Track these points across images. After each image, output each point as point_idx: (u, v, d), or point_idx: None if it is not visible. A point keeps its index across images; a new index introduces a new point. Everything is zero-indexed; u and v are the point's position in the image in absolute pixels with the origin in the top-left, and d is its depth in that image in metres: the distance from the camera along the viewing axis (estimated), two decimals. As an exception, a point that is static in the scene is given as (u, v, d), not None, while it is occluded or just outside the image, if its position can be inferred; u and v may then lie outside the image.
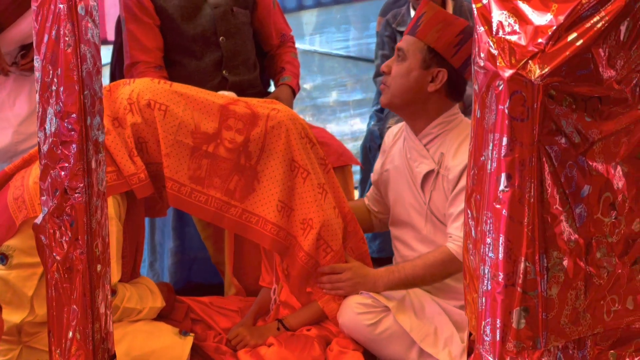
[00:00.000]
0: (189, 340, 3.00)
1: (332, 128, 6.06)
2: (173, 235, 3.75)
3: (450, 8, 4.10)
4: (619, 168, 1.26)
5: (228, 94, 3.21)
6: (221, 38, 3.59)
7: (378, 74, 4.28)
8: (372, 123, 4.34)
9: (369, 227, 3.48)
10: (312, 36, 6.17)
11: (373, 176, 3.36)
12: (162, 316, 3.17)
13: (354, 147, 4.87)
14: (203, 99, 2.96)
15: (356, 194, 4.44)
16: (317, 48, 6.17)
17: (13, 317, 2.81)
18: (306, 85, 6.16)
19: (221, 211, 2.96)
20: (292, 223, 3.00)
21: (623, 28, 1.21)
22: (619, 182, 1.27)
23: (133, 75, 3.55)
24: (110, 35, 3.99)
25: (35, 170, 2.78)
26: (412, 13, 4.14)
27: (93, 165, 1.84)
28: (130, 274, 3.13)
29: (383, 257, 4.04)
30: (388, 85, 3.03)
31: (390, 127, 3.99)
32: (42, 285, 2.60)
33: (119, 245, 2.92)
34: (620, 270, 1.29)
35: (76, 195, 1.82)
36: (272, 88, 3.99)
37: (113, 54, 3.83)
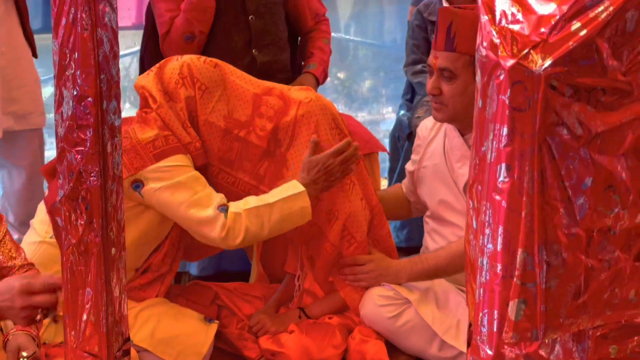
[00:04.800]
0: (213, 327, 3.03)
1: (365, 117, 6.06)
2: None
3: None
4: (623, 160, 1.24)
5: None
6: (251, 17, 3.60)
7: (409, 63, 4.26)
8: (402, 112, 4.33)
9: (407, 213, 3.48)
10: (347, 25, 6.17)
11: (409, 166, 3.34)
12: (190, 300, 3.21)
13: (385, 136, 4.86)
14: (239, 86, 3.00)
15: (385, 183, 4.44)
16: (352, 37, 6.16)
17: None
18: (340, 74, 6.16)
19: (248, 194, 2.98)
20: (318, 213, 3.02)
21: (628, 18, 1.19)
22: (623, 174, 1.25)
23: (164, 45, 3.60)
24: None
25: None
26: (444, 1, 4.11)
27: (109, 149, 1.85)
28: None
29: (411, 246, 4.04)
30: (445, 104, 2.95)
31: (419, 116, 3.97)
32: None
33: None
34: (622, 264, 1.27)
35: (91, 178, 1.84)
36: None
37: (143, 38, 3.86)
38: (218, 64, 3.03)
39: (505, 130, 1.20)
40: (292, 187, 2.94)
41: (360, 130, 3.46)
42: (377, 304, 3.02)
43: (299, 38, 3.92)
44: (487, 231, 1.23)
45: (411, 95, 4.36)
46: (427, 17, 4.18)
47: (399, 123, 4.29)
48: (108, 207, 1.87)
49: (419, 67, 4.19)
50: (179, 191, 2.84)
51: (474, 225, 1.27)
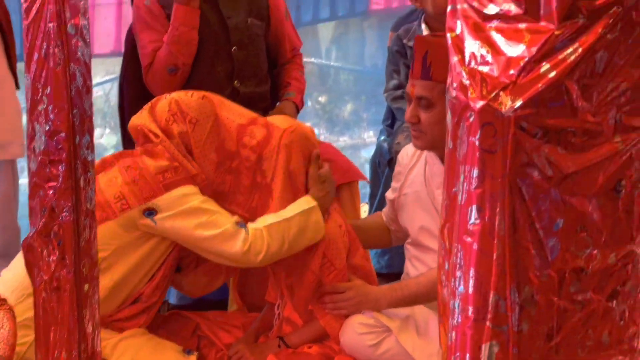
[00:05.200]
0: (192, 359, 3.00)
1: (346, 141, 6.06)
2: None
3: None
4: (594, 201, 1.24)
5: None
6: (234, 48, 3.60)
7: (389, 88, 4.26)
8: (382, 138, 4.32)
9: (388, 242, 3.46)
10: (328, 50, 6.18)
11: (389, 195, 3.33)
12: (171, 332, 3.19)
13: (366, 160, 4.86)
14: (225, 117, 3.02)
15: (366, 208, 4.42)
16: (332, 62, 6.16)
17: None
18: (321, 98, 6.16)
19: None
20: None
21: (598, 60, 1.19)
22: (594, 215, 1.24)
23: (147, 76, 3.60)
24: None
25: (102, 176, 2.92)
26: (424, 28, 4.11)
27: (82, 184, 1.84)
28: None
29: (392, 272, 4.02)
30: (424, 132, 2.94)
31: (399, 142, 3.97)
32: None
33: None
34: (595, 305, 1.26)
35: (64, 214, 1.83)
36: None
37: (123, 64, 3.85)
38: (206, 96, 3.05)
39: (475, 172, 1.19)
40: (305, 202, 2.98)
41: (339, 159, 3.46)
42: (357, 332, 3.00)
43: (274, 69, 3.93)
44: (458, 273, 1.22)
45: (391, 121, 4.35)
46: (406, 43, 4.17)
47: (379, 149, 4.28)
48: (81, 243, 1.85)
49: (399, 92, 4.19)
50: (194, 215, 2.87)
51: (446, 267, 1.26)
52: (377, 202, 4.19)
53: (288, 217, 2.92)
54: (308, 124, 3.33)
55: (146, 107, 3.07)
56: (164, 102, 3.03)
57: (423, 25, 4.15)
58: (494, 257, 1.19)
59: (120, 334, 3.00)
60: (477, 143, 1.19)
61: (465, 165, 1.20)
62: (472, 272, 1.21)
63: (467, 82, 1.20)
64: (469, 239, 1.21)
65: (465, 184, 1.21)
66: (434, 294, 2.98)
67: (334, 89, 6.26)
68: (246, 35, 3.63)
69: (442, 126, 2.89)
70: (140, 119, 3.03)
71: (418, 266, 3.18)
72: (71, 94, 1.81)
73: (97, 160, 3.01)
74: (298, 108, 3.78)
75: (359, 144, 6.21)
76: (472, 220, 1.20)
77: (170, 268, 3.07)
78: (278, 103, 3.82)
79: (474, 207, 1.20)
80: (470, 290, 1.21)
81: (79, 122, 1.84)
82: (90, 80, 1.88)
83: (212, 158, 2.98)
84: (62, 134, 1.82)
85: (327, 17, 5.96)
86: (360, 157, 5.84)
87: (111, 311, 2.94)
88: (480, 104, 1.18)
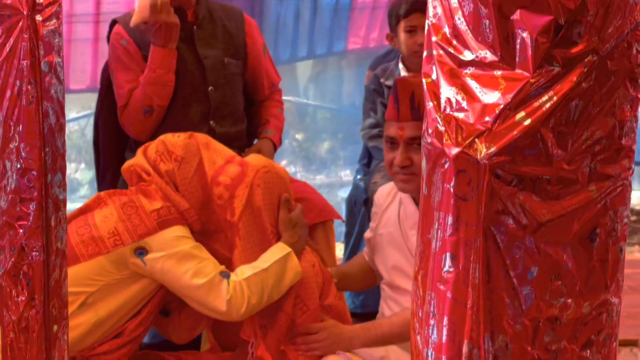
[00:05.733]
0: (164, 399, 2.98)
1: (323, 179, 6.05)
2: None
3: None
4: (569, 249, 1.23)
5: None
6: (210, 88, 3.59)
7: (365, 127, 4.26)
8: (359, 177, 4.31)
9: (374, 281, 3.45)
10: (305, 88, 6.19)
11: (367, 234, 3.32)
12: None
13: (343, 199, 4.85)
14: (207, 157, 3.05)
15: (341, 247, 4.41)
16: (310, 100, 6.17)
17: None
18: (298, 136, 6.16)
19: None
20: None
21: (572, 108, 1.19)
22: (569, 264, 1.23)
23: (122, 116, 3.60)
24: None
25: (97, 213, 2.94)
26: (401, 67, 4.13)
27: (52, 223, 1.82)
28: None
29: (367, 312, 4.00)
30: (417, 174, 2.87)
31: (376, 182, 3.96)
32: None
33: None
34: (569, 355, 1.25)
35: (34, 253, 1.80)
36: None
37: (98, 99, 3.84)
38: (193, 135, 3.10)
39: (450, 219, 1.18)
40: (280, 250, 2.97)
41: (315, 197, 3.45)
42: (331, 373, 2.98)
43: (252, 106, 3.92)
44: (431, 322, 1.21)
45: (368, 160, 4.35)
46: (383, 82, 4.19)
47: (355, 188, 4.28)
48: (51, 283, 1.83)
49: (376, 131, 4.19)
50: (183, 259, 2.87)
51: (420, 315, 1.25)
52: (353, 240, 4.17)
53: (265, 267, 2.92)
54: (282, 165, 3.34)
55: (140, 149, 3.12)
56: (152, 145, 3.09)
57: (400, 65, 4.16)
58: (468, 305, 1.18)
59: None
60: (451, 190, 1.18)
61: (439, 212, 1.19)
62: (445, 320, 1.19)
63: (442, 129, 1.19)
64: (442, 287, 1.19)
65: (439, 231, 1.20)
66: (407, 333, 2.96)
67: (311, 127, 6.27)
68: (222, 75, 3.62)
69: (436, 167, 2.90)
70: (135, 159, 3.10)
71: (393, 307, 3.17)
72: (44, 131, 1.80)
73: (92, 197, 3.05)
74: (276, 146, 3.78)
75: (336, 183, 6.21)
76: (446, 268, 1.19)
77: (156, 306, 3.05)
78: (256, 141, 3.81)
79: (448, 255, 1.19)
80: (444, 339, 1.20)
81: (51, 161, 1.82)
82: (64, 118, 1.86)
83: (198, 196, 3.00)
84: (34, 172, 1.80)
85: (305, 55, 5.98)
86: (336, 196, 5.84)
87: (90, 345, 2.92)
88: (455, 150, 1.18)
